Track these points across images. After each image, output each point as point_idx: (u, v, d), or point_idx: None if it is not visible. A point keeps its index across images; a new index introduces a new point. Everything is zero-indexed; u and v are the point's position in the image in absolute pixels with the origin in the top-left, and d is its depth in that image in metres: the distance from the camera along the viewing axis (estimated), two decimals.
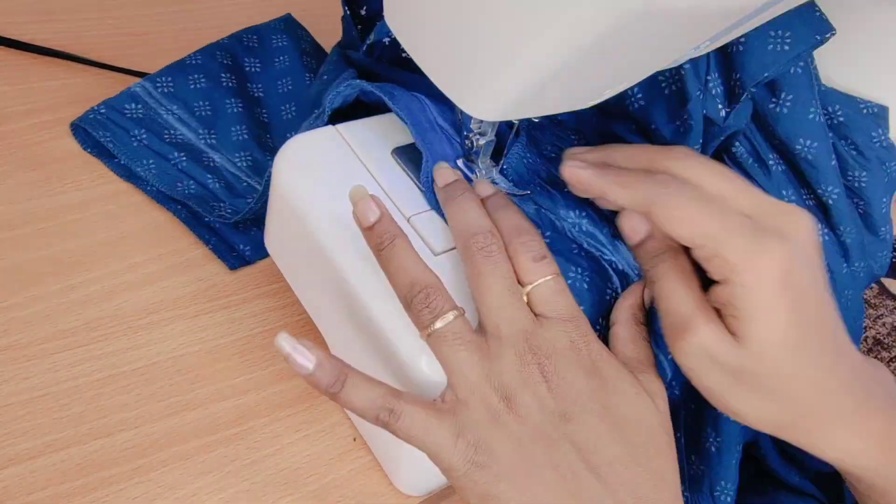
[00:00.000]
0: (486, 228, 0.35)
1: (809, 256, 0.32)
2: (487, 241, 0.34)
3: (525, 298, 0.34)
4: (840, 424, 0.33)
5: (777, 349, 0.31)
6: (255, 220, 0.49)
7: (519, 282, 0.35)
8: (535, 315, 0.34)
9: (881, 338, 0.64)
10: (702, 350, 0.32)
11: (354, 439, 0.42)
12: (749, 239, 0.31)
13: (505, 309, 0.33)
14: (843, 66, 0.44)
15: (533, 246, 0.35)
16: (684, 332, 0.32)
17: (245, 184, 0.52)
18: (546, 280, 0.34)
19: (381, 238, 0.34)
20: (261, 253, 0.49)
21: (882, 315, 0.66)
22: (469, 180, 0.40)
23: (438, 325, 0.33)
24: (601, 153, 0.37)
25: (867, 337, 0.65)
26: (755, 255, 0.30)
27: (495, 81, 0.31)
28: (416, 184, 0.40)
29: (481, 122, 0.39)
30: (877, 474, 0.33)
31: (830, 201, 0.40)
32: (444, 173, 0.38)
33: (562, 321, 0.34)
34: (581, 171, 0.35)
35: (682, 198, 0.32)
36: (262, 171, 0.53)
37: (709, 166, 0.33)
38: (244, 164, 0.53)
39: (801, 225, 0.32)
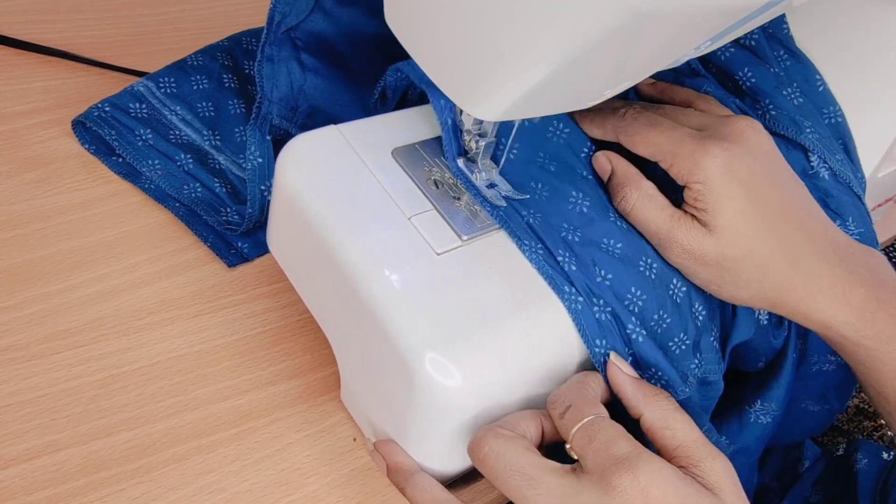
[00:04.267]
0: None
1: (754, 151, 0.38)
2: None
3: None
4: (820, 296, 0.38)
5: (743, 231, 0.37)
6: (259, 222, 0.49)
7: None
8: None
9: None
10: (684, 251, 0.38)
11: (354, 439, 0.42)
12: (695, 146, 0.38)
13: None
14: (845, 64, 0.44)
15: None
16: (666, 241, 0.38)
17: None
18: None
19: None
20: (260, 250, 0.49)
21: None
22: (469, 181, 0.40)
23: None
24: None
25: None
26: (701, 157, 0.37)
27: (496, 82, 0.31)
28: (416, 184, 0.40)
29: (481, 122, 0.39)
30: (857, 344, 0.38)
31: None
32: None
33: None
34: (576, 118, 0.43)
35: (638, 123, 0.40)
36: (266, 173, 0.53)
37: (658, 105, 0.42)
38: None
39: (741, 128, 0.39)
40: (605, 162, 0.41)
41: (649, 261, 0.39)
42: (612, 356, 0.36)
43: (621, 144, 0.41)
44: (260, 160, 0.48)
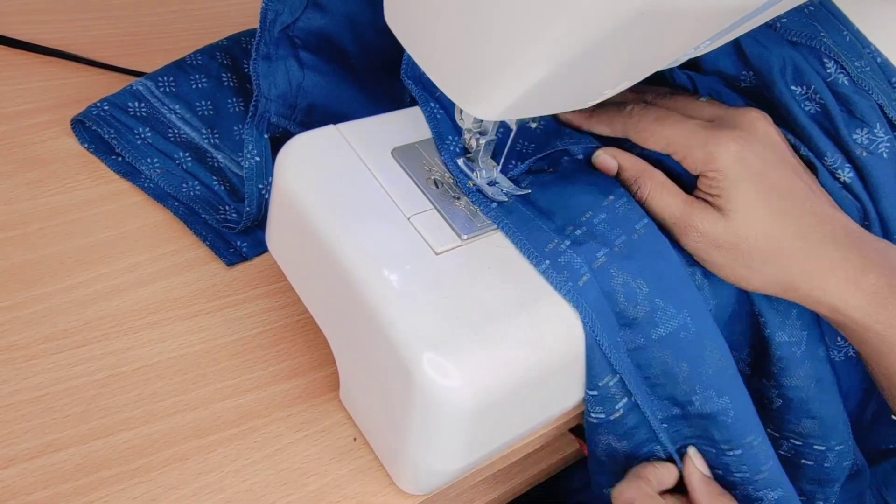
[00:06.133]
0: None
1: (763, 141, 0.39)
2: None
3: None
4: (832, 279, 0.38)
5: (756, 212, 0.38)
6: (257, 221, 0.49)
7: None
8: None
9: None
10: (700, 234, 0.39)
11: (354, 439, 0.42)
12: (707, 137, 0.39)
13: None
14: None
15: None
16: (682, 226, 0.40)
17: None
18: None
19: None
20: (258, 249, 0.49)
21: None
22: (469, 180, 0.40)
23: None
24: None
25: None
26: (714, 147, 0.38)
27: (496, 81, 0.31)
28: (415, 183, 0.40)
29: (481, 121, 0.39)
30: (867, 328, 0.39)
31: None
32: None
33: None
34: (575, 120, 0.44)
35: (647, 120, 0.41)
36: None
37: (667, 93, 0.43)
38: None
39: (751, 119, 0.40)
40: (610, 159, 0.42)
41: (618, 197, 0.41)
42: (691, 451, 0.41)
43: (630, 140, 0.42)
44: (258, 159, 0.48)
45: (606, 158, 0.42)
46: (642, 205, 0.41)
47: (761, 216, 0.38)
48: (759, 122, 0.40)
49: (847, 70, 0.42)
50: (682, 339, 0.39)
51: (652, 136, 0.41)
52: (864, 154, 0.42)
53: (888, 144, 0.42)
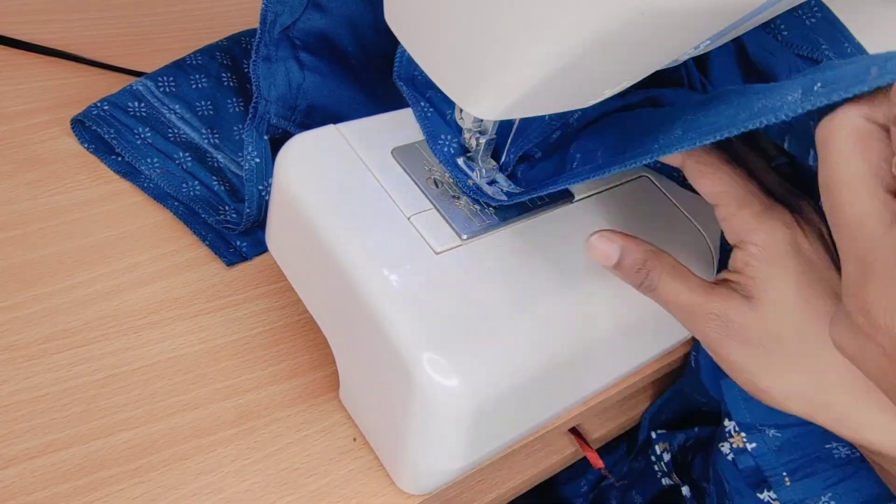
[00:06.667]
0: None
1: (818, 231, 0.33)
2: None
3: None
4: (875, 398, 0.31)
5: (794, 309, 0.31)
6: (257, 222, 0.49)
7: None
8: None
9: None
10: (721, 325, 0.32)
11: (354, 439, 0.42)
12: (766, 205, 0.32)
13: None
14: None
15: None
16: (701, 316, 0.33)
17: None
18: None
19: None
20: (258, 249, 0.49)
21: None
22: (469, 179, 0.40)
23: None
24: None
25: None
26: (768, 219, 0.32)
27: (496, 80, 0.31)
28: (416, 183, 0.40)
29: (481, 120, 0.39)
30: None
31: None
32: None
33: None
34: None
35: (715, 157, 0.33)
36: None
37: (747, 149, 0.37)
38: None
39: (811, 206, 0.34)
40: (607, 245, 0.35)
41: None
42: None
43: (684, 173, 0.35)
44: (257, 160, 0.48)
45: (602, 246, 0.35)
46: (652, 296, 0.35)
47: (800, 316, 0.31)
48: (814, 208, 0.34)
49: None
50: None
51: (715, 178, 0.33)
52: None
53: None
